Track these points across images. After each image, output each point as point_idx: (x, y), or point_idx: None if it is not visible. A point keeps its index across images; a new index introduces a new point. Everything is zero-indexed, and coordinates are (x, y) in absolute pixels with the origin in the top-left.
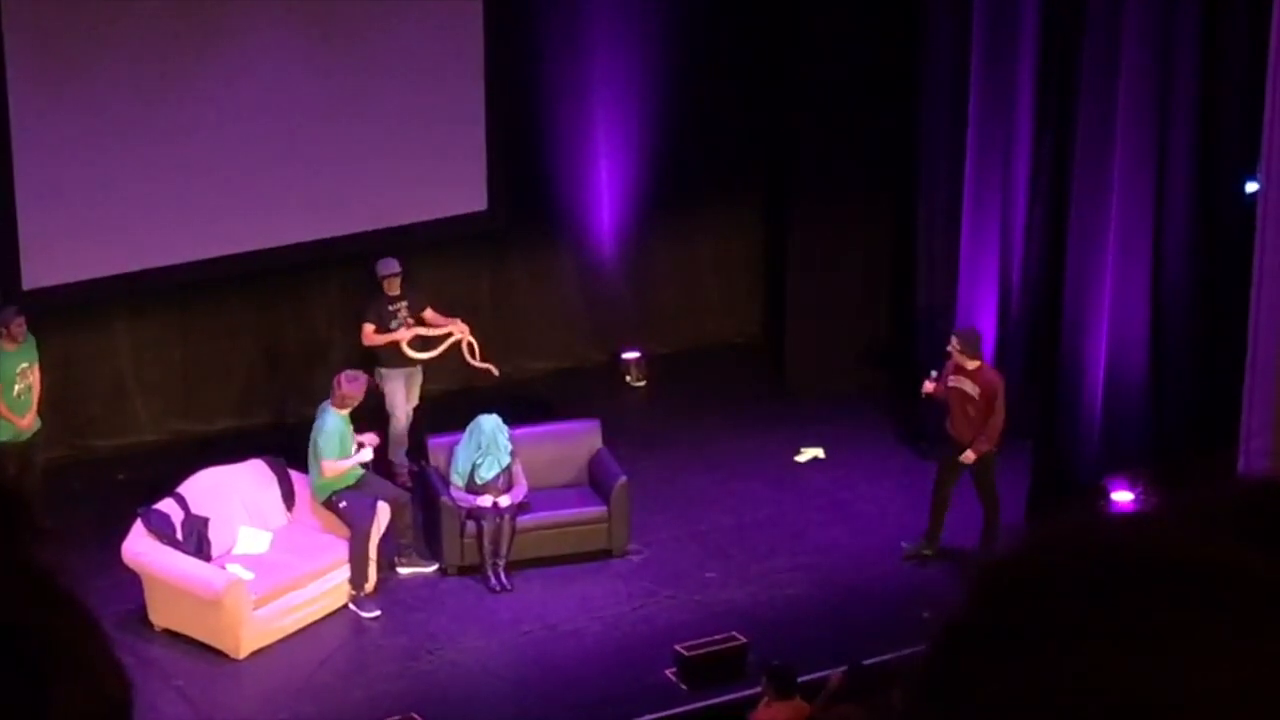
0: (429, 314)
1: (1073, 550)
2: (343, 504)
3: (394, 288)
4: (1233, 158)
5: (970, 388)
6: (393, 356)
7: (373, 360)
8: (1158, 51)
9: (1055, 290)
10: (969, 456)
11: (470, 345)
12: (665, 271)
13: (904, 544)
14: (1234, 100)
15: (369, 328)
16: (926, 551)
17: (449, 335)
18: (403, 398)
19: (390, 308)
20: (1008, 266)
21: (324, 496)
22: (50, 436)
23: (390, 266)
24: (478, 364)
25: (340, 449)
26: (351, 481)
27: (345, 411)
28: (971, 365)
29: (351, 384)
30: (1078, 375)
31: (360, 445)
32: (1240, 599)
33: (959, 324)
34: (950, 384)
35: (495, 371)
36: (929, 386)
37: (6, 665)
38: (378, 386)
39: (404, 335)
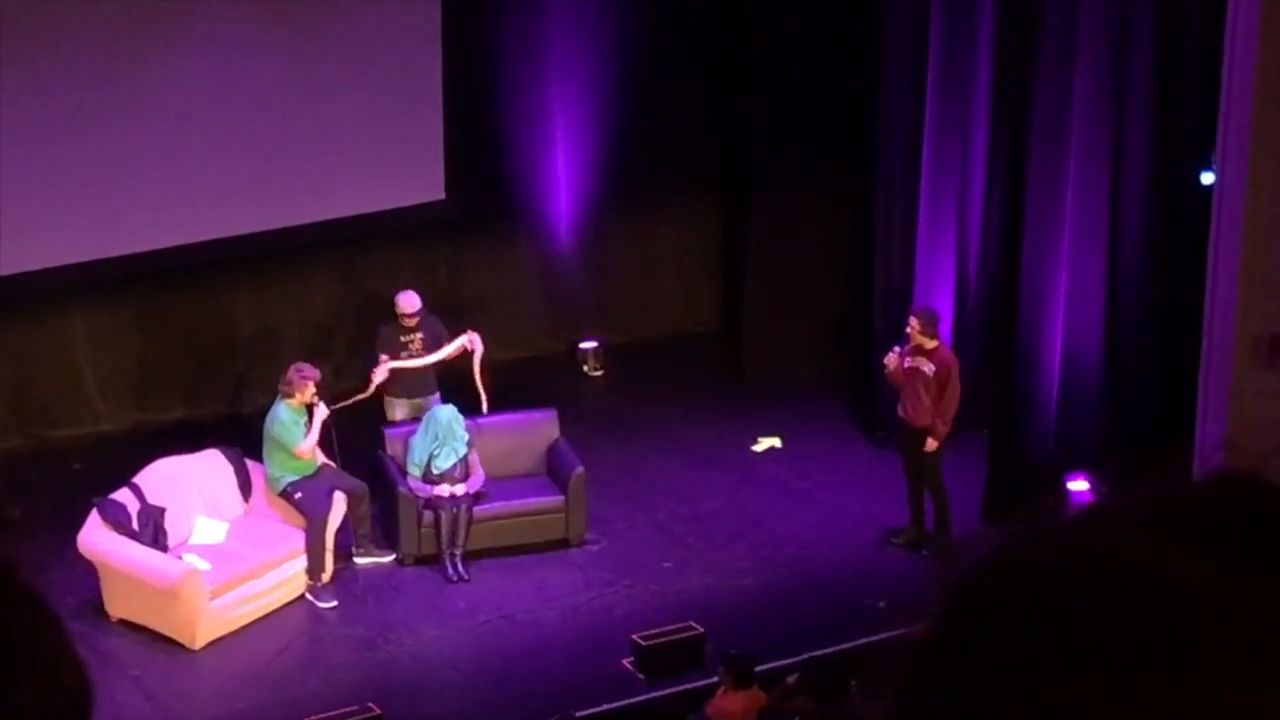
0: (446, 340)
1: (1043, 568)
2: (298, 495)
3: (411, 322)
4: (1188, 149)
5: (927, 367)
6: (397, 385)
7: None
8: (1114, 41)
9: (1012, 281)
10: (932, 445)
11: (469, 354)
12: (623, 261)
13: (892, 538)
14: (1190, 90)
15: (384, 358)
16: (913, 539)
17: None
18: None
19: (403, 339)
20: (964, 257)
21: (279, 488)
22: (5, 426)
23: (411, 304)
24: (479, 381)
25: (299, 436)
26: (309, 472)
27: (295, 402)
28: (930, 345)
29: (299, 375)
30: (1034, 364)
31: (311, 418)
32: (1209, 621)
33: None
34: (907, 364)
35: (484, 405)
36: (891, 359)
37: None
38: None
39: (380, 374)
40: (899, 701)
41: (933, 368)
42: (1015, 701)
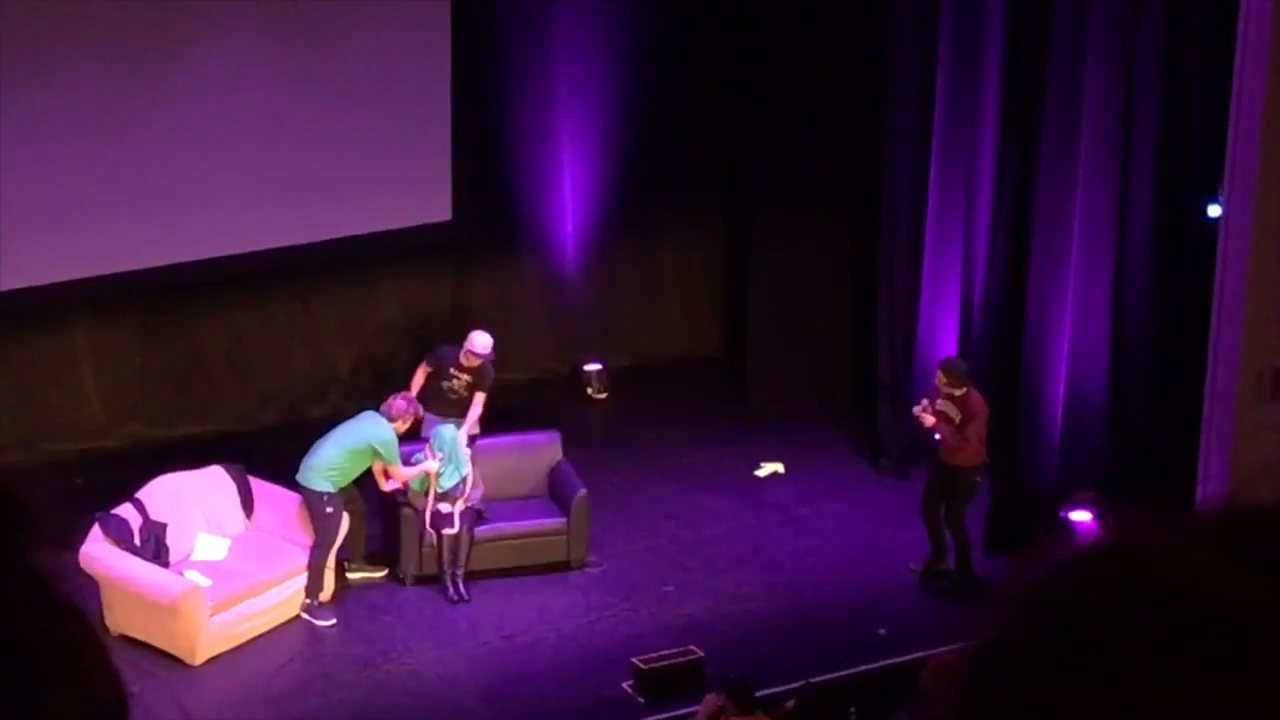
0: (478, 399)
1: (1111, 581)
2: (329, 509)
3: (475, 361)
4: (1195, 180)
5: (954, 412)
6: (435, 404)
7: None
8: (1121, 72)
9: (1017, 310)
10: (927, 418)
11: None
12: (627, 284)
13: (912, 565)
14: (1197, 122)
15: (423, 368)
16: (939, 568)
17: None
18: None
19: (453, 369)
20: (969, 285)
21: (319, 487)
22: (8, 440)
23: (484, 346)
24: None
25: (398, 459)
26: (346, 484)
27: (398, 427)
28: (957, 393)
29: (412, 407)
30: (1038, 394)
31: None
32: (1272, 641)
33: (920, 341)
34: (938, 407)
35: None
36: (920, 410)
37: (0, 673)
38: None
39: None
40: (957, 704)
41: (959, 413)
42: (1077, 712)
